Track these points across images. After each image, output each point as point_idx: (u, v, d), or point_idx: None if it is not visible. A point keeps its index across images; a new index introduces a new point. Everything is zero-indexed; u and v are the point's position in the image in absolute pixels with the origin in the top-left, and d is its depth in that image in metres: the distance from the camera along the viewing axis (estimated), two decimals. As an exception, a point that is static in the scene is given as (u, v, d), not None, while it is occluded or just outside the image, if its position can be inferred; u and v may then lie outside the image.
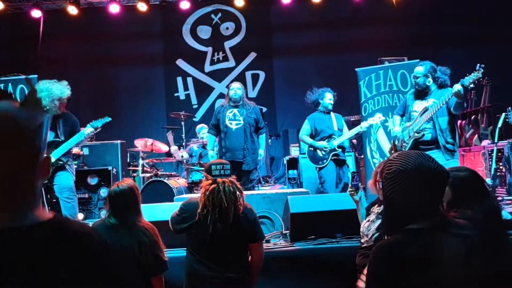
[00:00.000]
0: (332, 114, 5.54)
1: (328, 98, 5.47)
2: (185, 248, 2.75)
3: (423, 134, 4.41)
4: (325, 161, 5.35)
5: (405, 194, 1.48)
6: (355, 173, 3.23)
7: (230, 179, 2.64)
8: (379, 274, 1.44)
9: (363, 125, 5.39)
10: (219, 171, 2.65)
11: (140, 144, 6.83)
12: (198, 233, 2.61)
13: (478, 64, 3.97)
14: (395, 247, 1.45)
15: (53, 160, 4.38)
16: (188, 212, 2.67)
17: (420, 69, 4.52)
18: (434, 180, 1.49)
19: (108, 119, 4.62)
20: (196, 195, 2.74)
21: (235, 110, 5.22)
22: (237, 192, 2.61)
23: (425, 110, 4.40)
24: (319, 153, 5.39)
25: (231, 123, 5.17)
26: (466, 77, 4.01)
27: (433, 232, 1.44)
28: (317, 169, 5.45)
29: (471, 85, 3.99)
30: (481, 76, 3.96)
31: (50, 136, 4.33)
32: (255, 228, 2.70)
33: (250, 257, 2.76)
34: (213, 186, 2.58)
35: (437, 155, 4.36)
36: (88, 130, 4.46)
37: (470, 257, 1.44)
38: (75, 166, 6.30)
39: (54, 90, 4.28)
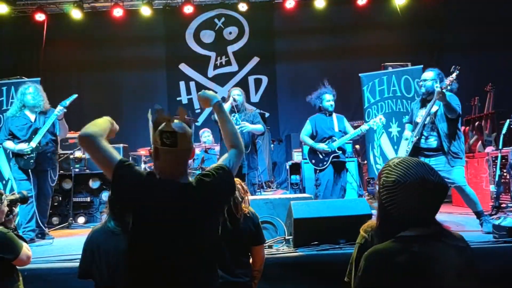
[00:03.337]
0: (334, 115, 5.54)
1: (327, 99, 5.45)
2: None
3: (419, 138, 4.48)
4: (325, 163, 5.36)
5: (402, 204, 1.46)
6: (371, 179, 3.20)
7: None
8: (369, 280, 1.41)
9: (363, 127, 5.40)
10: None
11: (143, 152, 6.75)
12: None
13: (454, 66, 4.18)
14: (386, 253, 1.42)
15: (34, 146, 4.81)
16: None
17: (430, 73, 4.58)
18: (433, 193, 1.46)
19: (75, 96, 4.99)
20: None
21: (236, 115, 5.28)
22: (239, 195, 2.62)
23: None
24: (319, 155, 5.40)
25: (234, 127, 5.24)
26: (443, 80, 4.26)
27: (426, 240, 1.42)
28: (316, 171, 5.45)
29: (449, 87, 4.22)
30: (455, 77, 4.20)
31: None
32: (258, 231, 2.76)
33: (251, 260, 2.77)
34: None
35: (441, 161, 4.39)
36: (58, 108, 4.87)
37: (465, 270, 1.41)
38: (77, 170, 6.32)
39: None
